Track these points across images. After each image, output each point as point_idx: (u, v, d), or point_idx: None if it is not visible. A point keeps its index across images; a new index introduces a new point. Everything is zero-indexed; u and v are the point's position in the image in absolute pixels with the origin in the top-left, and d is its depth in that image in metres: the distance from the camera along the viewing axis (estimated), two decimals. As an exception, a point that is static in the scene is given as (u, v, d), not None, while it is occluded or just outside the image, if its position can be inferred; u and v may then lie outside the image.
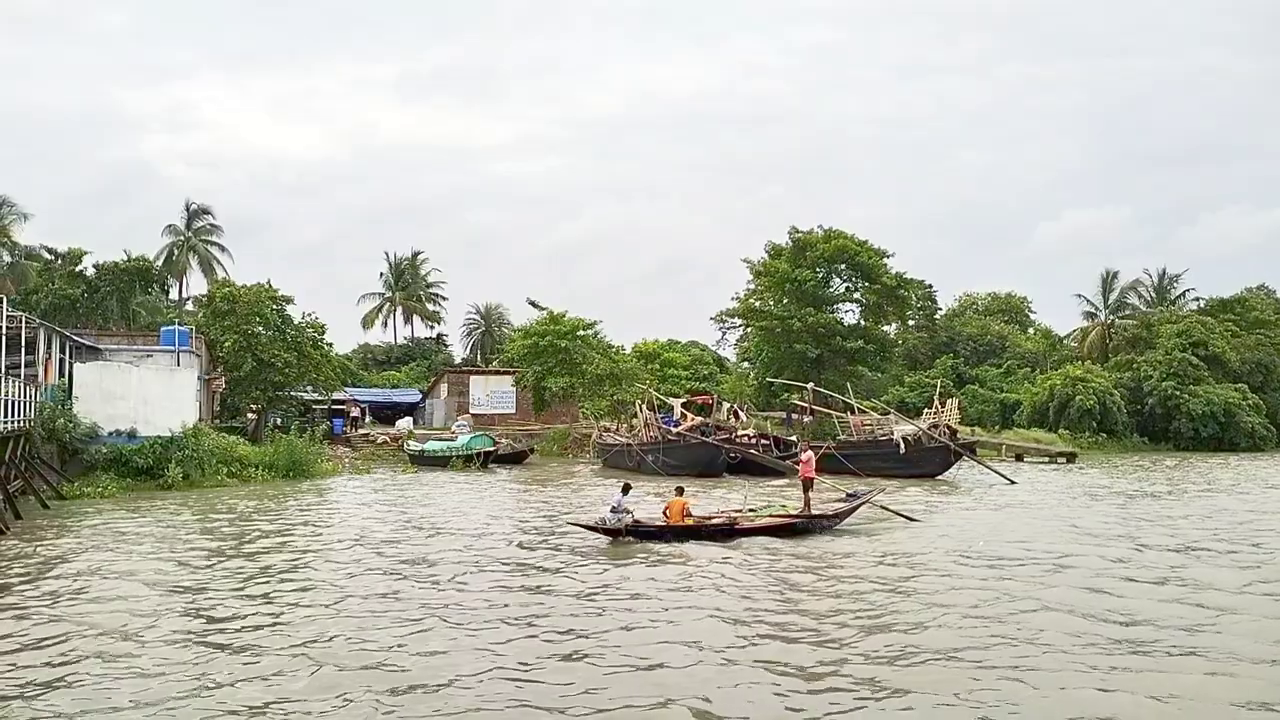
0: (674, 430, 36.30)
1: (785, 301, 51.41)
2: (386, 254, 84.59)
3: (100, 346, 36.42)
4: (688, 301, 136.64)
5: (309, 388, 45.52)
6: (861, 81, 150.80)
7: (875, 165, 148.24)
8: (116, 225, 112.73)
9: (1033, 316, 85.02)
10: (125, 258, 57.67)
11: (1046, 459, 45.72)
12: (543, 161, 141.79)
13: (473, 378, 60.62)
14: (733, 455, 33.87)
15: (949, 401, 37.37)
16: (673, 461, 33.71)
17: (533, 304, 55.90)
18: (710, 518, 18.69)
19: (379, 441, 47.55)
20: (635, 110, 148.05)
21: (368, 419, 56.17)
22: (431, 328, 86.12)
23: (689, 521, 17.74)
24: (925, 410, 38.62)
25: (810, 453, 22.10)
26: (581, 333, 51.41)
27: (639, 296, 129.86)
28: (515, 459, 41.71)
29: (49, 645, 10.09)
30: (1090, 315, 74.57)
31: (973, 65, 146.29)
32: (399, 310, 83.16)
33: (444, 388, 60.26)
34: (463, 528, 20.01)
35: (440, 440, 44.02)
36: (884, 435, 34.97)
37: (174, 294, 67.34)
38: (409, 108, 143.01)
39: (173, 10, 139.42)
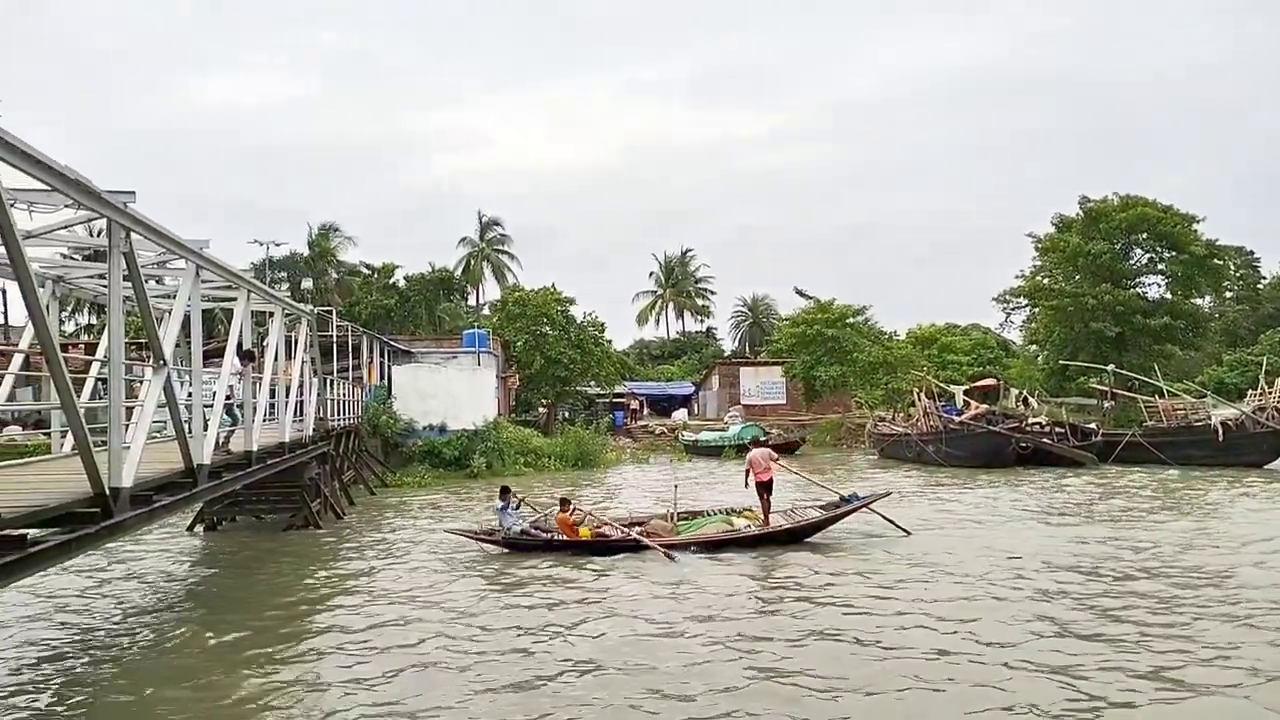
0: (956, 419, 34.75)
1: (1077, 278, 47.55)
2: (655, 255, 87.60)
3: (413, 350, 40.44)
4: (962, 285, 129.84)
5: (592, 383, 48.09)
6: (1142, 38, 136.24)
7: (1173, 127, 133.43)
8: (417, 240, 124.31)
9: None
10: (430, 269, 63.87)
11: None
12: (805, 150, 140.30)
13: (743, 369, 61.21)
14: (1023, 445, 31.89)
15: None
16: (955, 452, 32.32)
17: (800, 293, 55.74)
18: (643, 522, 16.54)
19: (656, 433, 49.33)
20: (894, 90, 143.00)
21: (645, 411, 58.42)
22: (701, 322, 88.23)
23: (585, 534, 15.67)
24: (1249, 391, 34.35)
25: (761, 451, 17.49)
26: (851, 320, 50.47)
27: (909, 281, 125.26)
28: (787, 449, 41.63)
29: (390, 625, 11.46)
30: None
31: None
32: (670, 306, 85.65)
33: (715, 380, 61.35)
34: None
35: (713, 431, 44.97)
36: (1199, 420, 31.52)
37: (472, 300, 73.41)
38: (670, 111, 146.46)
39: (448, 39, 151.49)
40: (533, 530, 15.86)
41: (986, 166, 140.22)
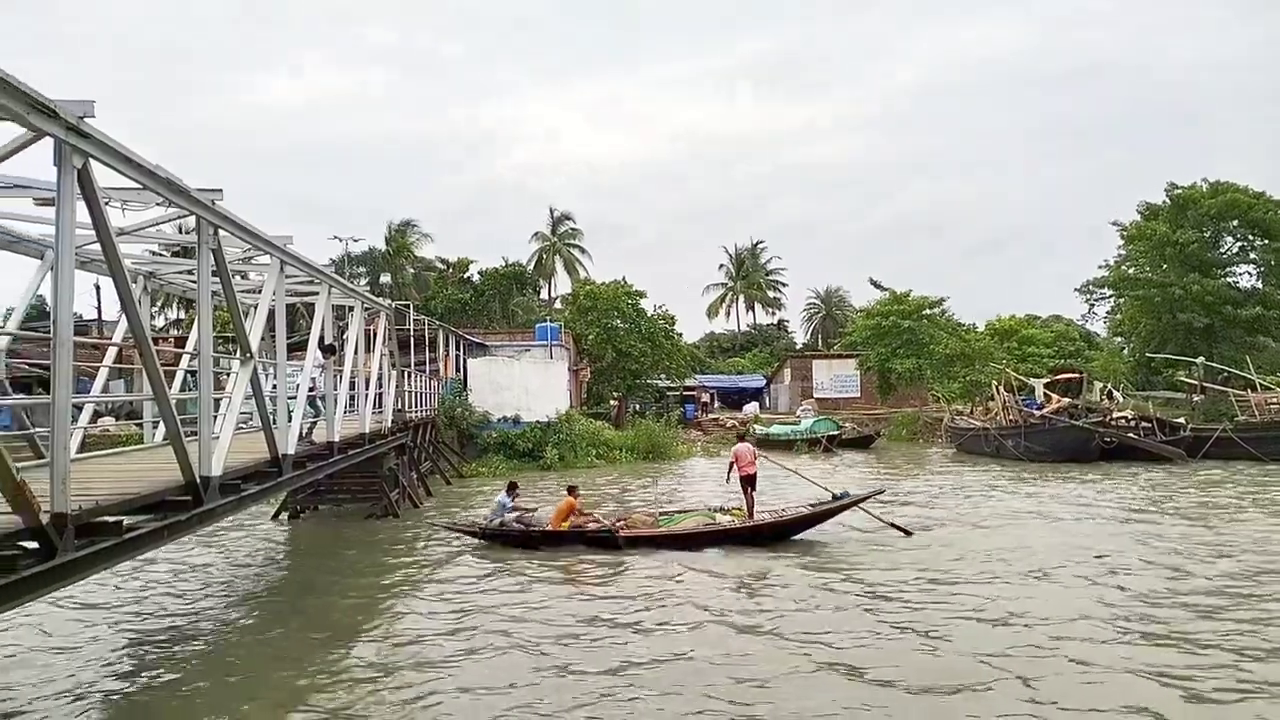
0: (1037, 413, 33.87)
1: (1165, 267, 45.90)
2: (725, 247, 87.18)
3: (487, 344, 41.00)
4: (1043, 275, 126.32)
5: (662, 376, 48.16)
6: (1199, 21, 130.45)
7: (1239, 113, 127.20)
8: (490, 234, 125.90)
9: None
10: (503, 264, 64.61)
11: None
12: (874, 138, 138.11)
13: (815, 362, 60.65)
14: (1107, 440, 30.93)
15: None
16: (1036, 447, 31.50)
17: (875, 284, 54.86)
18: (628, 519, 16.24)
19: (727, 425, 49.15)
20: (949, 78, 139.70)
21: (716, 404, 58.27)
22: (772, 314, 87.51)
23: (565, 526, 15.47)
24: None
25: (746, 445, 17.25)
26: (928, 312, 49.59)
27: (987, 272, 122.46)
28: (861, 443, 41.17)
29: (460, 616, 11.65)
30: None
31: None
32: (741, 299, 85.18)
33: (787, 373, 60.88)
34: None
35: (784, 424, 44.63)
36: (1297, 415, 30.21)
37: (544, 294, 74.05)
38: (737, 102, 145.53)
39: (517, 34, 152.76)
40: (513, 524, 15.87)
41: (1070, 151, 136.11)
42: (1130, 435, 31.31)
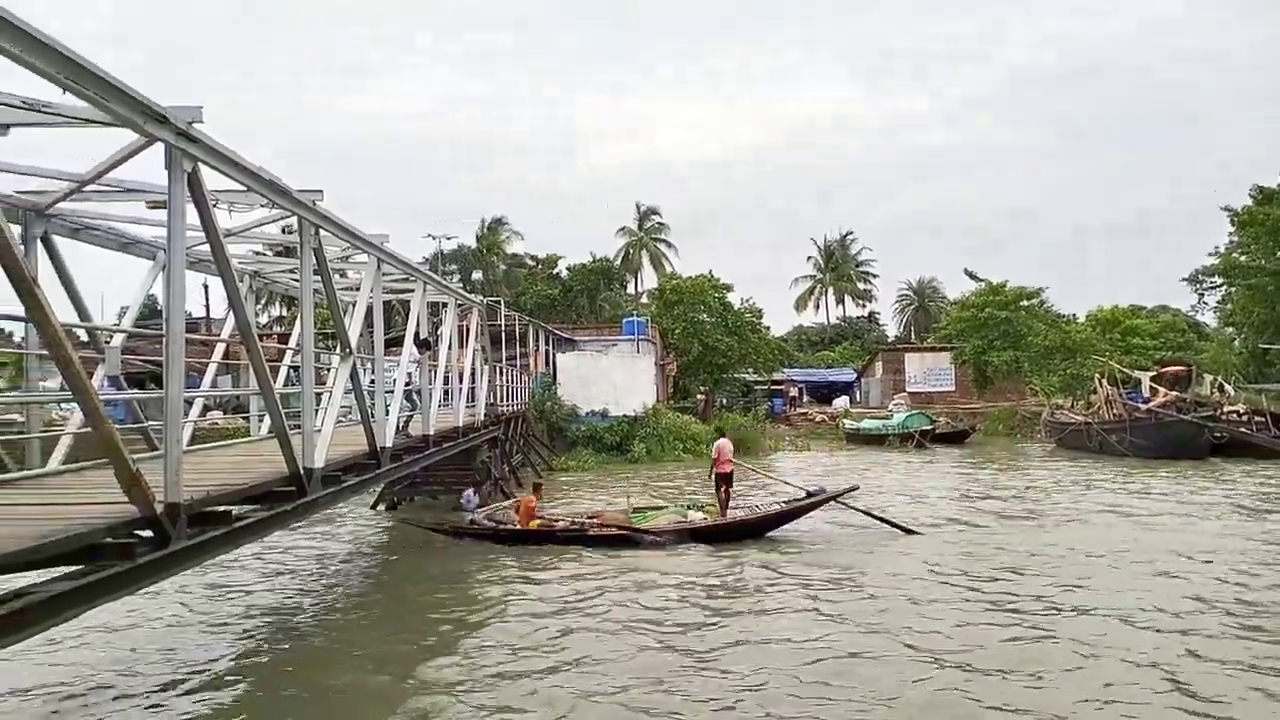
0: (1142, 407, 32.54)
1: (1279, 254, 43.57)
2: (813, 239, 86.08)
3: (575, 339, 41.37)
4: (1147, 265, 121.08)
5: (749, 369, 47.84)
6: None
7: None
8: (578, 230, 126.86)
9: None
10: (590, 259, 65.16)
11: None
12: (967, 128, 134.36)
13: (908, 355, 59.45)
14: (1218, 435, 29.53)
15: None
16: (1142, 442, 30.26)
17: (970, 275, 53.49)
18: (600, 517, 16.10)
19: (816, 420, 48.61)
20: (1067, 62, 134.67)
21: (805, 398, 57.64)
22: (863, 306, 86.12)
23: (534, 525, 15.47)
24: None
25: (726, 441, 17.33)
26: (1026, 303, 48.16)
27: (1087, 262, 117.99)
28: (955, 438, 40.22)
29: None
30: None
31: None
32: (830, 291, 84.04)
33: (879, 366, 59.85)
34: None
35: (875, 419, 43.87)
36: None
37: (631, 288, 74.37)
38: (825, 92, 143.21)
39: (602, 28, 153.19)
40: (484, 521, 16.10)
41: (1175, 138, 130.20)
42: (1242, 430, 29.89)
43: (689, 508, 16.81)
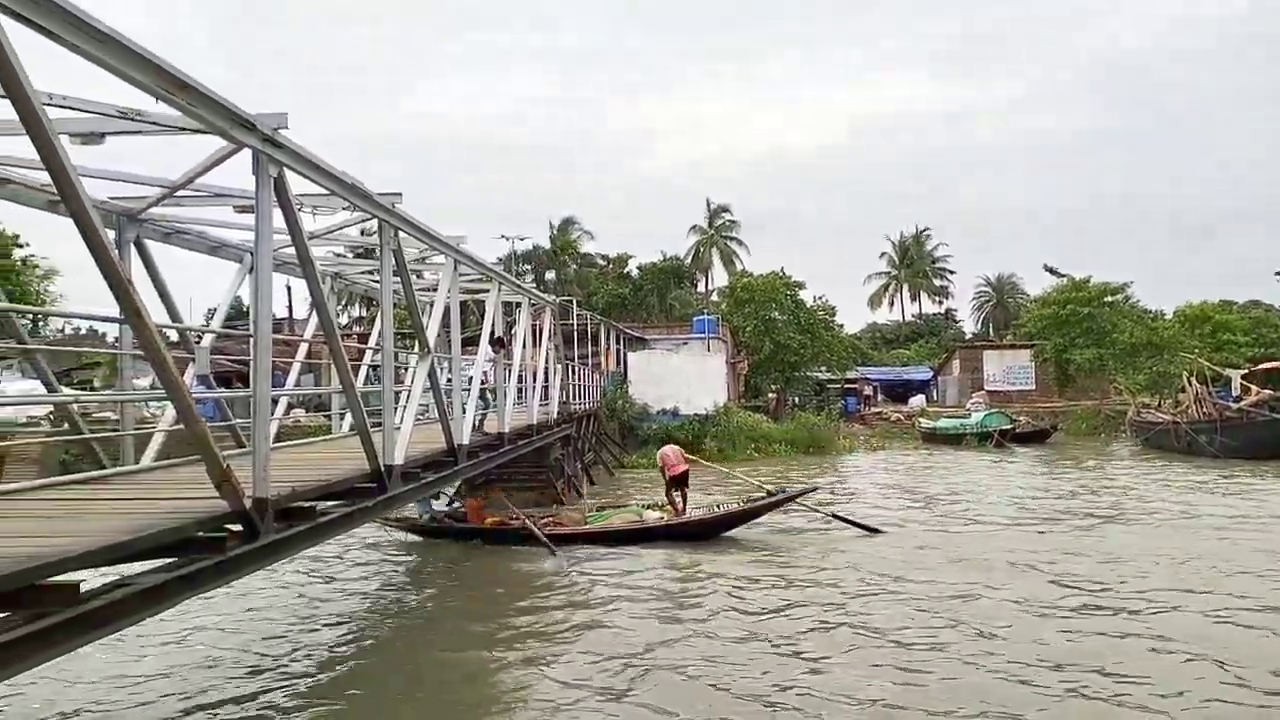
0: (1234, 406, 31.30)
1: (1387, 245, 41.65)
2: (888, 235, 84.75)
3: (646, 337, 41.45)
4: (1239, 259, 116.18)
5: (822, 368, 47.32)
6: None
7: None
8: (649, 229, 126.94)
9: None
10: (661, 258, 65.24)
11: None
12: (1047, 119, 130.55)
13: (986, 353, 58.13)
14: (1315, 435, 28.24)
15: None
16: (1233, 442, 29.09)
17: (1050, 270, 52.14)
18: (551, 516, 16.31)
19: (892, 419, 47.78)
20: (1166, 44, 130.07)
21: (879, 397, 56.77)
22: (939, 303, 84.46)
23: (489, 522, 15.67)
24: None
25: (671, 448, 17.24)
26: (1109, 299, 46.74)
27: (1175, 257, 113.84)
28: (1036, 438, 39.19)
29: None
30: None
31: None
32: (905, 288, 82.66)
33: (956, 364, 58.66)
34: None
35: (953, 418, 42.97)
36: None
37: (701, 287, 74.21)
38: (898, 85, 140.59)
39: (664, 26, 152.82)
40: (444, 519, 16.34)
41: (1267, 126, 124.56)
42: (1341, 430, 28.52)
43: (646, 507, 16.96)
